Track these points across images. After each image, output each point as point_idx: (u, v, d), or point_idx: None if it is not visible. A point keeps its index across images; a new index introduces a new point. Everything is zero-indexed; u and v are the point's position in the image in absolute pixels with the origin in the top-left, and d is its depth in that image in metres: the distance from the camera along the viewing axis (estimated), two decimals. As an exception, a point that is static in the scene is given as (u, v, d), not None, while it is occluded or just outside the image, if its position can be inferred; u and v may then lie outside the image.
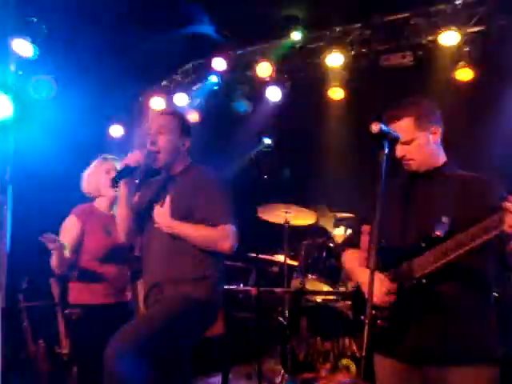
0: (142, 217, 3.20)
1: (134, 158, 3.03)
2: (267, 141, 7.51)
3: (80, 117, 6.80)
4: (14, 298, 5.33)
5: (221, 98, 7.34)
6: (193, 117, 7.26)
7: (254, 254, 4.91)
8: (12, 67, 6.10)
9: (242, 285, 5.22)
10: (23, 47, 5.74)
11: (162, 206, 3.01)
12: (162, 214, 2.98)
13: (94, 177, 3.85)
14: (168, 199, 2.99)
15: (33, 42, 5.72)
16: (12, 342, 5.20)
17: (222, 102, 7.35)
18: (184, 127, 3.20)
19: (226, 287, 5.00)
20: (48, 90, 6.25)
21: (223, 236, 2.94)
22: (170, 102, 7.38)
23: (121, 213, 3.18)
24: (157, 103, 7.33)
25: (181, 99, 7.30)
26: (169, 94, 7.41)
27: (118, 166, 3.41)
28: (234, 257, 5.51)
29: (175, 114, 3.21)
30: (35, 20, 5.56)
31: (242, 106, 7.15)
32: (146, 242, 3.18)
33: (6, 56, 5.95)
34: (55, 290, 5.27)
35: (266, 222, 5.42)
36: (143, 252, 3.18)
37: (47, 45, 5.86)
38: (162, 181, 3.21)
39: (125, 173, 3.03)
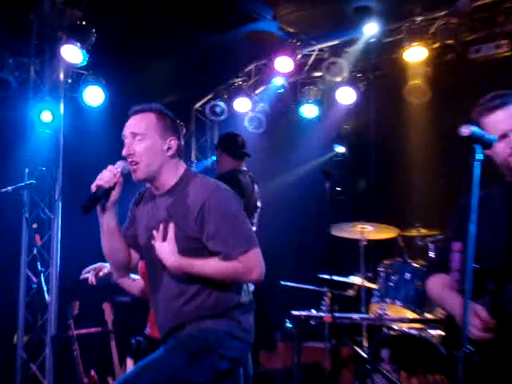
0: (139, 246, 2.86)
1: (107, 175, 2.63)
2: (339, 149, 7.51)
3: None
4: (64, 324, 5.45)
5: (286, 102, 7.37)
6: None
7: (326, 276, 4.88)
8: (61, 75, 6.33)
9: (313, 311, 5.08)
10: (72, 53, 5.96)
11: (161, 238, 2.62)
12: (166, 253, 2.59)
13: None
14: (171, 231, 2.60)
15: (82, 48, 5.90)
16: (63, 372, 5.31)
17: (287, 106, 7.38)
18: (166, 124, 2.72)
19: (295, 313, 4.95)
20: (99, 98, 6.44)
21: (248, 268, 2.58)
22: (230, 107, 7.42)
23: (108, 248, 2.76)
24: (214, 109, 7.40)
25: (242, 104, 7.36)
26: (229, 99, 7.44)
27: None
28: (304, 279, 5.70)
29: (151, 110, 2.73)
30: (84, 23, 5.73)
31: (310, 110, 7.14)
32: (152, 275, 2.77)
33: (56, 63, 6.17)
34: (109, 317, 5.34)
35: (340, 239, 5.38)
36: (149, 285, 2.82)
37: (97, 50, 6.04)
38: (153, 200, 2.80)
39: (97, 197, 2.60)
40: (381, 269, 4.99)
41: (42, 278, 4.91)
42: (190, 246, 2.63)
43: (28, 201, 6.13)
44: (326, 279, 4.96)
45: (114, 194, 2.68)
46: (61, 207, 6.39)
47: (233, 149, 4.94)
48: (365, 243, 5.30)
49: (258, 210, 4.93)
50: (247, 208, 4.68)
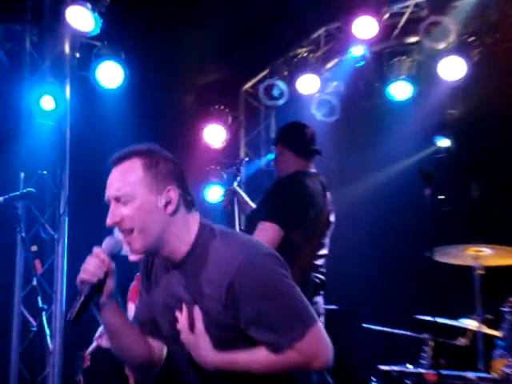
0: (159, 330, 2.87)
1: (92, 265, 2.57)
2: (443, 142, 7.38)
3: (156, 113, 6.97)
4: (71, 381, 5.45)
5: (368, 79, 7.30)
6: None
7: (428, 318, 4.81)
8: (67, 47, 6.36)
9: (409, 365, 5.07)
10: (81, 18, 5.98)
11: (187, 327, 2.62)
12: (200, 351, 2.62)
13: None
14: (198, 321, 2.61)
15: (94, 11, 5.94)
16: None
17: (369, 85, 7.33)
18: (158, 171, 2.64)
19: (384, 368, 4.94)
20: (117, 78, 6.46)
21: (308, 357, 2.57)
22: (291, 88, 7.36)
23: (119, 349, 2.82)
24: (270, 91, 7.34)
25: (307, 84, 7.30)
26: (290, 77, 7.38)
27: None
28: (395, 321, 5.63)
29: (135, 155, 2.65)
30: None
31: (402, 90, 7.03)
32: (178, 365, 2.85)
33: (59, 31, 6.21)
34: (131, 374, 5.31)
35: (446, 267, 5.32)
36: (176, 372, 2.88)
37: (114, 13, 6.06)
38: (166, 270, 2.77)
39: (85, 299, 2.55)
40: (506, 309, 4.93)
41: (44, 319, 4.91)
42: (226, 336, 2.63)
43: (24, 215, 6.15)
44: (426, 322, 4.92)
45: (108, 286, 2.64)
46: (67, 224, 6.43)
47: (299, 144, 4.88)
48: (481, 272, 5.25)
49: (332, 228, 4.82)
50: (316, 225, 4.62)
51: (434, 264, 4.61)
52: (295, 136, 4.94)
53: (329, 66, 7.46)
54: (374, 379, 5.23)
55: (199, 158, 7.36)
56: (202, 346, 2.61)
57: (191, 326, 2.63)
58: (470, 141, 6.81)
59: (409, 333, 5.37)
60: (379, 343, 6.04)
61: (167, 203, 2.60)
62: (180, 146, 7.15)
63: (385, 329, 5.45)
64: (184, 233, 2.65)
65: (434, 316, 4.49)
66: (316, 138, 4.99)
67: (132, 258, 2.69)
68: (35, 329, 5.26)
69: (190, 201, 2.68)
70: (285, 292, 2.56)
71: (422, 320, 5.08)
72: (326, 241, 4.77)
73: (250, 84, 8.09)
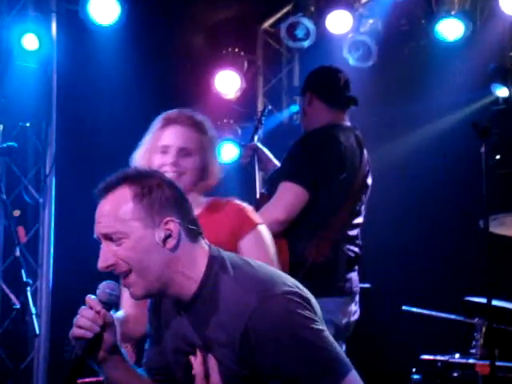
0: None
1: (86, 317, 2.59)
2: (501, 91, 7.31)
3: (158, 57, 6.96)
4: (60, 370, 5.49)
5: (412, 16, 7.27)
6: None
7: (480, 300, 4.89)
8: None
9: (457, 355, 5.09)
10: None
11: (202, 377, 2.64)
12: None
13: (151, 156, 3.79)
14: (214, 373, 2.63)
15: None
16: None
17: (413, 23, 7.31)
18: (153, 200, 2.62)
19: (428, 358, 4.99)
20: (112, 12, 6.39)
21: None
22: (319, 27, 7.30)
23: None
24: (294, 30, 7.33)
25: (339, 22, 7.27)
26: (317, 13, 7.36)
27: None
28: (441, 303, 5.62)
29: (123, 184, 2.65)
30: None
31: (453, 28, 6.97)
32: None
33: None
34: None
35: (504, 240, 5.31)
36: None
37: None
38: (176, 310, 2.78)
39: (80, 357, 2.59)
40: None
41: (29, 296, 4.92)
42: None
43: (4, 175, 6.23)
44: (478, 305, 5.00)
45: (107, 341, 2.66)
46: (54, 186, 6.45)
47: (330, 92, 4.92)
48: None
49: (369, 191, 4.82)
50: (350, 188, 4.62)
51: (488, 236, 4.61)
52: (326, 82, 4.96)
53: (364, 0, 7.38)
54: (414, 370, 5.25)
55: (210, 110, 7.29)
56: None
57: (206, 375, 2.63)
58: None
59: (457, 317, 5.39)
60: (421, 329, 6.06)
61: (166, 237, 2.59)
62: (187, 96, 7.15)
63: (428, 312, 5.46)
64: (190, 269, 2.64)
65: (487, 298, 4.48)
66: (350, 85, 4.99)
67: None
68: (18, 307, 5.31)
69: (194, 230, 2.65)
70: (308, 340, 2.53)
71: (472, 302, 5.14)
72: (362, 208, 4.78)
73: (269, 22, 8.04)
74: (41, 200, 6.39)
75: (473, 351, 5.13)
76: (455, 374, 4.99)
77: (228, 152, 7.59)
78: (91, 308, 2.58)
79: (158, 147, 3.60)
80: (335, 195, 4.54)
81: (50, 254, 6.35)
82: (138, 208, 2.58)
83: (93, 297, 2.61)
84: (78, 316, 2.58)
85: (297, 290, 2.58)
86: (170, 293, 2.65)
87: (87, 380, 5.43)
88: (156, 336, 2.90)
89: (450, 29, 6.95)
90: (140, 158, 3.68)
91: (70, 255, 6.32)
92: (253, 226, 3.64)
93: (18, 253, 5.09)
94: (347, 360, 2.56)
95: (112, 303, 2.66)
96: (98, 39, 6.59)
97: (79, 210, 6.67)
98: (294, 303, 2.54)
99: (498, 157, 6.16)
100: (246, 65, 7.81)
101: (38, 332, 5.00)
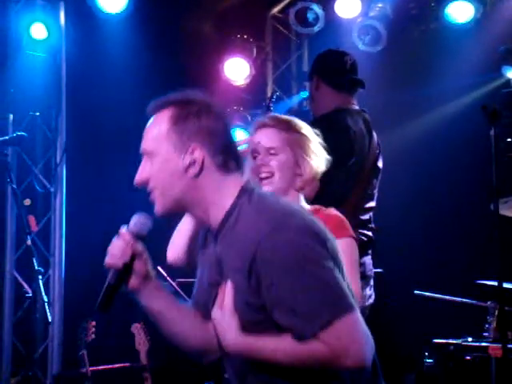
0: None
1: (117, 247, 2.74)
2: (511, 72, 7.25)
3: (166, 44, 6.94)
4: (73, 357, 5.52)
5: (419, 0, 7.27)
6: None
7: (492, 283, 4.86)
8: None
9: (470, 339, 5.10)
10: None
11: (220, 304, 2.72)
12: (223, 329, 2.70)
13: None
14: (227, 296, 2.70)
15: None
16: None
17: (423, 6, 7.28)
18: (187, 125, 2.71)
19: (440, 341, 5.00)
20: (119, 1, 6.43)
21: (337, 351, 2.55)
22: (328, 12, 7.29)
23: (172, 335, 2.93)
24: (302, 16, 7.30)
25: (348, 7, 7.27)
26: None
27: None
28: (453, 287, 5.61)
29: (168, 106, 2.76)
30: None
31: (463, 11, 6.97)
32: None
33: None
34: (142, 345, 5.44)
35: None
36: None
37: None
38: (211, 247, 2.88)
39: (113, 284, 2.73)
40: None
41: (41, 284, 4.95)
42: (252, 317, 2.68)
43: (15, 164, 6.23)
44: (491, 288, 4.98)
45: (137, 269, 2.76)
46: (65, 175, 6.45)
47: (337, 76, 4.91)
48: None
49: (380, 175, 4.82)
50: (360, 172, 4.61)
51: (499, 219, 4.58)
52: (333, 66, 4.95)
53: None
54: (427, 354, 5.27)
55: (219, 97, 7.34)
56: (226, 326, 2.66)
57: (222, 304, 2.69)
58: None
59: (469, 300, 5.40)
60: (434, 313, 6.05)
61: (190, 164, 2.67)
62: (196, 82, 7.13)
63: (440, 296, 5.47)
64: (217, 198, 2.71)
65: (499, 281, 4.43)
66: (358, 67, 4.98)
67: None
68: (30, 295, 5.34)
69: (226, 162, 2.71)
70: (312, 271, 2.55)
71: (484, 285, 5.11)
72: (374, 191, 4.77)
73: (278, 8, 7.99)
74: (52, 189, 6.42)
75: (485, 334, 5.12)
76: (468, 357, 4.99)
77: (238, 139, 7.58)
78: (122, 239, 2.71)
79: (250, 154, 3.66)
80: (345, 180, 4.53)
81: (61, 242, 6.39)
82: (171, 131, 2.68)
83: (124, 228, 2.74)
84: (110, 245, 2.71)
85: (316, 228, 2.62)
86: (196, 216, 2.79)
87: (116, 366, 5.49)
88: (200, 273, 2.95)
89: (460, 11, 6.95)
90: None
91: (82, 243, 6.34)
92: (347, 235, 3.72)
93: (29, 242, 5.12)
94: (352, 302, 2.56)
95: (142, 234, 2.76)
96: (106, 27, 6.61)
97: (90, 199, 6.77)
98: (308, 236, 2.58)
99: (509, 139, 6.13)
100: (254, 51, 7.78)
101: (50, 320, 5.04)
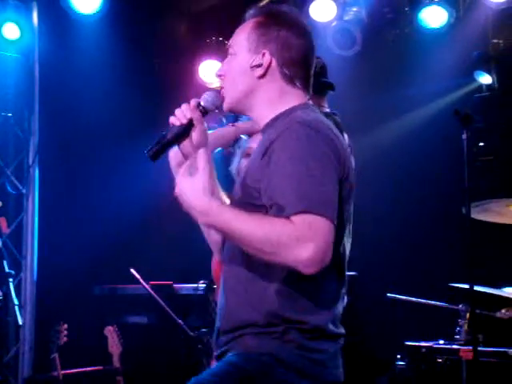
0: None
1: (180, 110, 3.02)
2: (484, 79, 7.30)
3: (141, 45, 6.92)
4: (44, 360, 5.50)
5: (395, 3, 7.25)
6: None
7: (464, 286, 4.83)
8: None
9: (442, 341, 5.12)
10: None
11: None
12: (185, 190, 2.78)
13: None
14: (200, 160, 2.83)
15: None
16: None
17: (397, 10, 7.27)
18: (266, 32, 2.93)
19: (412, 344, 5.00)
20: (93, 1, 6.38)
21: (297, 234, 2.60)
22: (303, 15, 7.28)
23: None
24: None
25: (323, 10, 7.25)
26: (301, 1, 7.33)
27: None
28: (425, 290, 5.64)
29: (259, 14, 2.97)
30: None
31: (436, 16, 6.97)
32: (224, 256, 3.09)
33: None
34: (114, 348, 5.41)
35: (486, 226, 5.33)
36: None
37: None
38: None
39: (165, 138, 3.01)
40: None
41: (11, 287, 4.92)
42: (249, 198, 2.84)
43: (-15, 165, 6.19)
44: (462, 291, 4.95)
45: (194, 136, 3.02)
46: (38, 177, 6.43)
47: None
48: None
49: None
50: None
51: (471, 223, 4.61)
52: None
53: (346, -13, 7.37)
54: (399, 357, 5.29)
55: (193, 98, 7.30)
56: (190, 187, 2.75)
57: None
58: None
59: (441, 303, 5.41)
60: (406, 316, 6.07)
61: (257, 65, 2.92)
62: (170, 83, 7.13)
63: (413, 299, 5.49)
64: (276, 102, 2.94)
65: (470, 284, 4.49)
66: (327, 70, 4.98)
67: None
68: (1, 298, 5.32)
69: (293, 76, 2.93)
70: (312, 168, 2.68)
71: (456, 289, 5.12)
72: (344, 193, 4.78)
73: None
74: (24, 190, 6.37)
75: (457, 337, 5.14)
76: (439, 360, 5.01)
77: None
78: (189, 104, 3.00)
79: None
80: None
81: (34, 245, 6.34)
82: (253, 33, 2.92)
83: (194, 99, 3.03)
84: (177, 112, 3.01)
85: (331, 134, 2.78)
86: (253, 115, 3.01)
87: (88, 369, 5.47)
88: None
89: (434, 16, 6.96)
90: None
91: (54, 246, 6.30)
92: None
93: (-1, 244, 5.10)
94: (334, 211, 2.65)
95: (208, 107, 3.02)
96: (79, 28, 6.57)
97: (63, 200, 6.74)
98: (320, 138, 2.73)
99: (481, 144, 6.17)
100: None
101: (20, 323, 5.02)
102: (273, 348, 2.74)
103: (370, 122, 7.09)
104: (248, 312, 2.80)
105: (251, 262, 2.78)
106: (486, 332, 5.01)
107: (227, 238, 2.85)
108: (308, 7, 7.22)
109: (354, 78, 6.89)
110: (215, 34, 7.66)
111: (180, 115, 3.00)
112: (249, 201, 2.83)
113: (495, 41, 6.90)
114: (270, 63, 2.90)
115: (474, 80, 6.86)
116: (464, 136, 4.53)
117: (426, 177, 6.89)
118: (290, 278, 2.73)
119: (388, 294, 5.53)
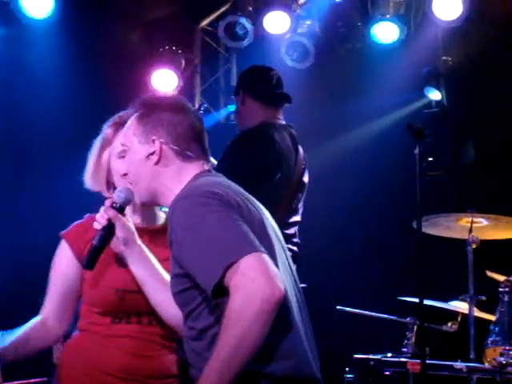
0: None
1: (99, 213, 3.21)
2: (434, 95, 7.39)
3: (94, 53, 6.88)
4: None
5: (348, 18, 7.30)
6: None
7: (412, 299, 4.89)
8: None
9: (390, 354, 5.09)
10: None
11: None
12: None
13: (103, 159, 3.74)
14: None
15: None
16: None
17: (350, 25, 7.32)
18: (150, 120, 3.03)
19: (361, 357, 4.99)
20: (45, 5, 6.34)
21: (244, 295, 2.52)
22: (257, 27, 7.32)
23: (152, 304, 3.27)
24: (232, 30, 7.35)
25: (277, 23, 7.28)
26: (255, 13, 7.37)
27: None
28: (375, 303, 5.65)
29: (139, 104, 3.11)
30: None
31: (389, 31, 7.04)
32: None
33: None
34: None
35: (435, 240, 5.39)
36: None
37: None
38: None
39: (94, 245, 3.21)
40: (503, 289, 4.97)
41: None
42: (185, 285, 2.79)
43: None
44: (410, 304, 4.98)
45: (118, 233, 3.16)
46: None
47: (263, 90, 4.96)
48: (475, 247, 5.26)
49: (305, 190, 4.84)
50: (285, 187, 4.63)
51: (421, 237, 4.64)
52: (259, 81, 4.99)
53: (302, 1, 7.40)
54: (347, 369, 5.28)
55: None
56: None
57: None
58: (466, 94, 6.88)
59: (390, 316, 5.42)
60: (356, 329, 6.10)
61: (151, 153, 2.97)
62: (123, 93, 7.07)
63: (362, 312, 5.50)
64: (175, 185, 2.95)
65: (419, 297, 4.49)
66: (283, 83, 5.02)
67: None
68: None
69: (186, 150, 2.98)
70: (202, 224, 2.67)
71: (405, 302, 5.14)
72: (299, 206, 4.80)
73: (208, 20, 7.98)
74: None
75: (405, 350, 5.16)
76: (387, 373, 4.99)
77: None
78: (103, 208, 3.18)
79: (118, 150, 3.51)
80: (271, 194, 4.53)
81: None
82: (138, 126, 3.02)
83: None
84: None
85: (214, 189, 2.76)
86: (165, 202, 3.00)
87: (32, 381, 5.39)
88: None
89: (386, 32, 7.03)
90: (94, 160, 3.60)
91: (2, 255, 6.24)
92: None
93: None
94: (253, 242, 2.61)
95: (122, 203, 3.17)
96: (30, 32, 6.51)
97: (8, 208, 6.64)
98: (203, 196, 2.74)
99: (430, 159, 6.24)
100: (183, 63, 7.76)
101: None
102: None
103: (323, 135, 7.12)
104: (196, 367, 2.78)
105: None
106: (434, 345, 5.04)
107: None
108: (262, 19, 7.24)
109: (307, 91, 6.92)
110: (168, 43, 7.66)
111: (100, 219, 3.15)
112: (179, 289, 2.80)
113: (445, 58, 6.99)
114: (161, 147, 2.96)
115: (424, 95, 6.94)
116: (416, 150, 4.56)
117: (378, 190, 6.94)
118: None
119: (337, 307, 5.52)
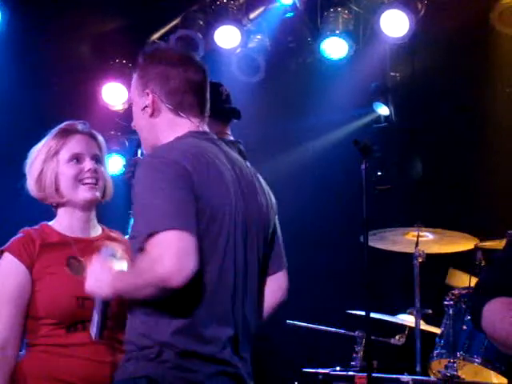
0: None
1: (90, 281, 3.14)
2: (382, 110, 7.45)
3: (42, 66, 6.86)
4: None
5: (298, 33, 7.33)
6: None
7: (360, 313, 4.91)
8: None
9: (338, 368, 5.13)
10: None
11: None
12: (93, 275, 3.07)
13: (50, 167, 3.73)
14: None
15: None
16: None
17: (300, 40, 7.36)
18: (148, 73, 3.13)
19: (309, 371, 5.03)
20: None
21: (152, 259, 2.72)
22: (208, 41, 7.33)
23: None
24: (182, 43, 7.32)
25: (227, 37, 7.30)
26: (206, 27, 7.37)
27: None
28: (323, 316, 5.69)
29: (141, 55, 3.22)
30: None
31: (338, 47, 7.09)
32: None
33: None
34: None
35: (382, 254, 5.47)
36: None
37: None
38: None
39: (101, 313, 3.16)
40: (448, 302, 5.03)
41: None
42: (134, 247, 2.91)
43: None
44: (358, 318, 5.02)
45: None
46: None
47: (213, 105, 4.88)
48: (422, 260, 5.34)
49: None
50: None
51: (369, 250, 4.69)
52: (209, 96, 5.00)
53: (252, 16, 7.41)
54: (296, 383, 5.38)
55: (96, 121, 7.19)
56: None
57: None
58: (413, 109, 6.94)
59: (338, 330, 5.46)
60: (304, 342, 6.11)
61: (146, 106, 3.07)
62: (72, 106, 7.05)
63: (311, 325, 5.54)
64: (167, 135, 3.06)
65: (366, 311, 4.56)
66: (232, 99, 5.03)
67: None
68: None
69: (179, 105, 3.07)
70: (150, 192, 2.82)
71: (353, 315, 5.19)
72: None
73: (158, 34, 7.96)
74: None
75: (353, 363, 5.20)
76: (336, 387, 5.05)
77: (115, 164, 7.53)
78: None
79: (67, 156, 3.51)
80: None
81: None
82: (137, 78, 3.13)
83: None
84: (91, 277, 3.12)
85: (164, 155, 2.89)
86: None
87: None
88: None
89: (335, 47, 7.05)
90: (38, 169, 3.59)
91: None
92: None
93: None
94: (177, 218, 2.73)
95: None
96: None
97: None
98: (152, 165, 2.89)
99: (379, 173, 6.30)
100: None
101: None
102: (148, 370, 2.79)
103: (272, 150, 7.15)
104: (127, 341, 2.93)
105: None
106: (381, 358, 5.07)
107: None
108: (213, 34, 7.26)
109: (258, 105, 6.94)
110: (118, 56, 7.63)
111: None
112: (136, 248, 2.90)
113: (392, 73, 7.05)
114: (154, 99, 3.05)
115: (373, 110, 7.00)
116: (363, 166, 4.63)
117: (326, 205, 6.97)
118: (154, 302, 2.81)
119: (287, 321, 5.54)
